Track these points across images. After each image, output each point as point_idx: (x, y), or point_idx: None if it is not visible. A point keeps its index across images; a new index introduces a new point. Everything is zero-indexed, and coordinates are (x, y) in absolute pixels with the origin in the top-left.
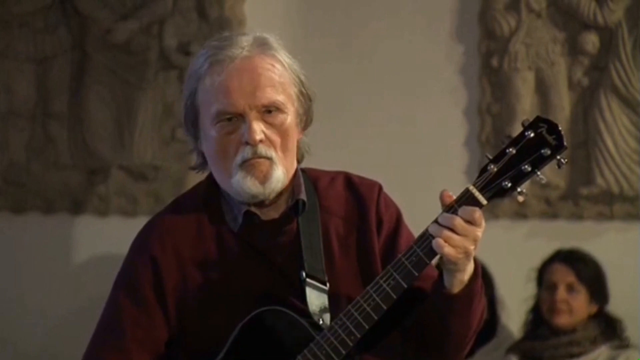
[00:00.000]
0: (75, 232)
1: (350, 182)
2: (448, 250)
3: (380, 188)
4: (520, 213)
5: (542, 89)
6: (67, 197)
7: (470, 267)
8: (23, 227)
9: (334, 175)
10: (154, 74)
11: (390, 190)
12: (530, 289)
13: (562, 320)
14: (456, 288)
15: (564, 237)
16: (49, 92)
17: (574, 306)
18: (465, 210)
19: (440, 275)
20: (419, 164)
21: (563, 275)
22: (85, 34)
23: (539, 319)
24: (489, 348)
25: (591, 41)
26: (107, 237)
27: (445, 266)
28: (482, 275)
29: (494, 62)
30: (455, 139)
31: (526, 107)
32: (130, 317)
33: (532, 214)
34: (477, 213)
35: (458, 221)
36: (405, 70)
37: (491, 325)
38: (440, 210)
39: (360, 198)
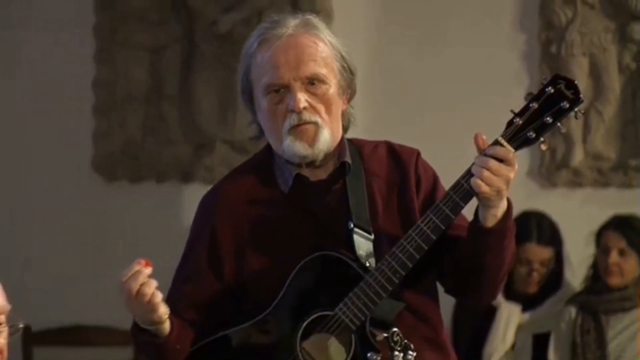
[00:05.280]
0: (185, 198)
1: (392, 149)
2: (484, 188)
3: (418, 153)
4: (576, 182)
5: (595, 72)
6: (177, 168)
7: (503, 205)
8: (139, 194)
9: (377, 144)
10: None
11: (457, 171)
12: (587, 250)
13: (615, 280)
14: (490, 222)
15: (616, 204)
16: (161, 77)
17: (625, 268)
18: (499, 149)
19: (476, 215)
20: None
21: (615, 241)
22: (194, 25)
23: (597, 276)
24: (555, 299)
25: (638, 31)
26: None
27: (481, 203)
28: (554, 232)
29: (553, 49)
30: None
31: (581, 88)
32: (183, 273)
33: (587, 182)
34: (511, 154)
35: (493, 162)
36: (474, 58)
37: (558, 278)
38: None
39: (401, 162)
